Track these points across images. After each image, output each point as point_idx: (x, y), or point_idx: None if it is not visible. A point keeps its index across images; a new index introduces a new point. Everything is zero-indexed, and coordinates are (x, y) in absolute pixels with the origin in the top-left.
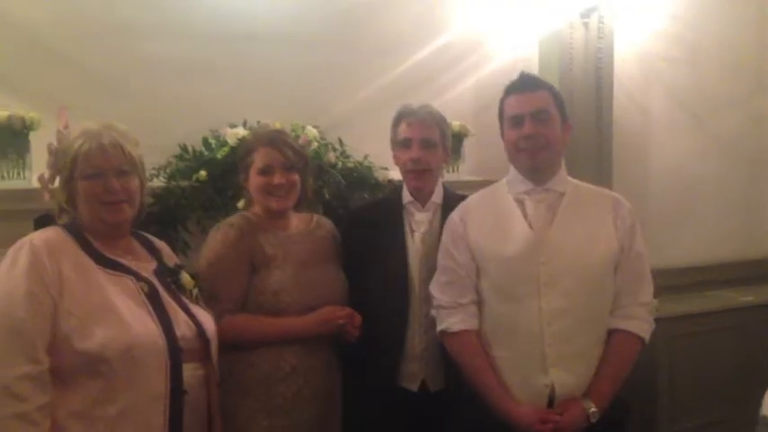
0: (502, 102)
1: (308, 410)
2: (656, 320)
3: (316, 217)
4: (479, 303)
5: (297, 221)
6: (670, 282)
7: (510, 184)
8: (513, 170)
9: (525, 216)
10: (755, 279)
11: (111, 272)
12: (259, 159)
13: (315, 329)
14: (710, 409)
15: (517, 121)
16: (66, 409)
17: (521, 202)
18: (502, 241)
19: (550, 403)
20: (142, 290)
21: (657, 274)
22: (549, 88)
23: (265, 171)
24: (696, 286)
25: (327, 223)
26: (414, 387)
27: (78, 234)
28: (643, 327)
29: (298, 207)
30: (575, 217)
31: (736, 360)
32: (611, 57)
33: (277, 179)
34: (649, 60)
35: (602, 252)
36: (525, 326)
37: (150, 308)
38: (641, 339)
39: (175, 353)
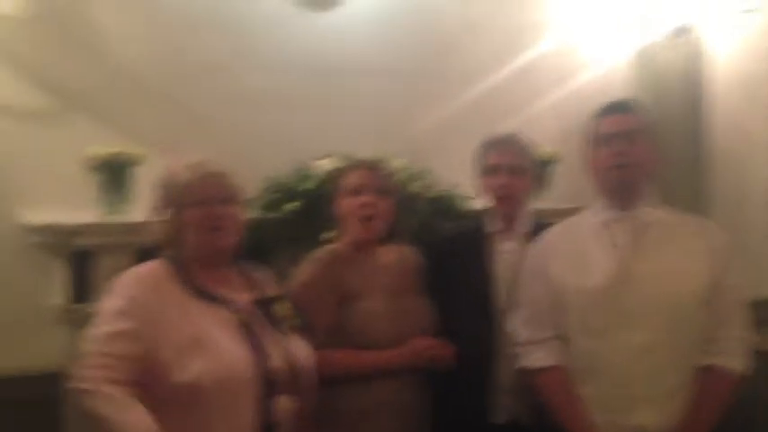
0: (591, 126)
1: None
2: (759, 354)
3: (402, 248)
4: (564, 340)
5: (384, 252)
6: None
7: (594, 214)
8: (596, 201)
9: (612, 244)
10: None
11: (209, 303)
12: (351, 181)
13: (404, 362)
14: None
15: (608, 139)
16: None
17: (607, 230)
18: (584, 273)
19: None
20: (238, 320)
21: (760, 305)
22: (641, 113)
23: (357, 191)
24: None
25: (413, 254)
26: (503, 421)
27: (180, 265)
28: (739, 361)
29: (386, 241)
30: (663, 246)
31: None
32: (707, 77)
33: (365, 198)
34: (752, 83)
35: (693, 285)
36: (611, 362)
37: (243, 338)
38: (737, 375)
39: (268, 384)
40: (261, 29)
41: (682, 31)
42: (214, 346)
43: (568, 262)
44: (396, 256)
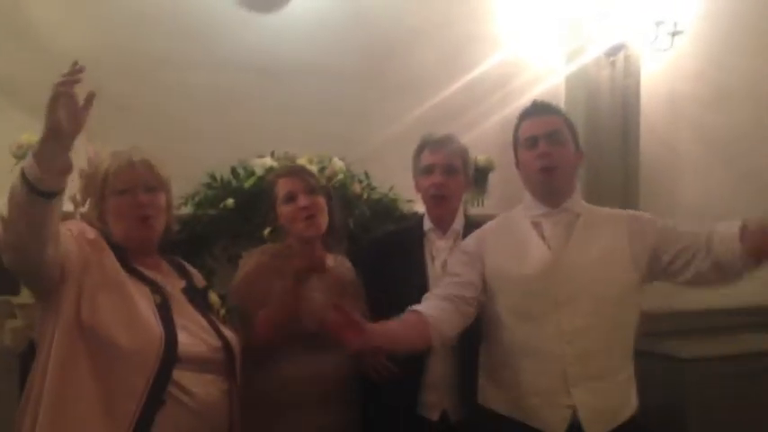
0: (516, 128)
1: None
2: (686, 362)
3: (339, 257)
4: (496, 327)
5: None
6: (700, 323)
7: (525, 209)
8: (528, 196)
9: (542, 237)
10: None
11: (132, 277)
12: (281, 189)
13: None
14: None
15: (532, 142)
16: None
17: (537, 225)
18: (519, 262)
19: (574, 426)
20: (154, 300)
21: (687, 315)
22: (562, 114)
23: (288, 198)
24: (726, 328)
25: (345, 261)
26: (434, 417)
27: (110, 241)
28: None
29: (328, 241)
30: (590, 237)
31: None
32: (637, 95)
33: (301, 201)
34: (677, 100)
35: (619, 272)
36: (545, 346)
37: (158, 315)
38: None
39: (169, 361)
40: (204, 26)
41: (616, 50)
42: (126, 305)
43: (502, 251)
44: (333, 262)
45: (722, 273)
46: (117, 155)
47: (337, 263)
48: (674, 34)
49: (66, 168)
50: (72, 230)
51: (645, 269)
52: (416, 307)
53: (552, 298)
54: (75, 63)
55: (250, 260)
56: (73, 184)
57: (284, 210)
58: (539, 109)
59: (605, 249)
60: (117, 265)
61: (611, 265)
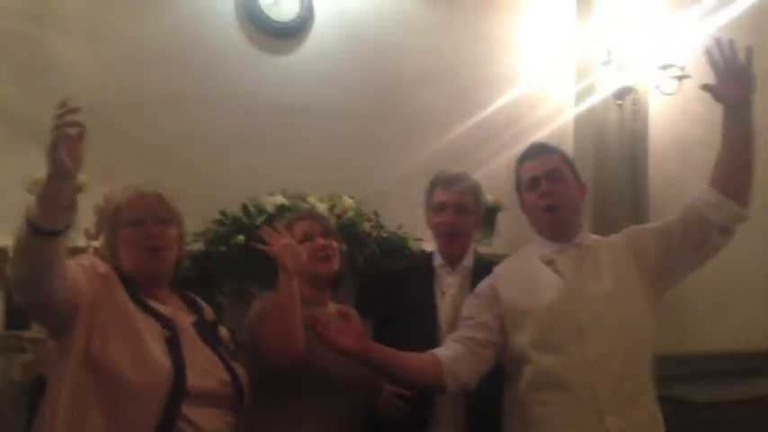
0: (517, 171)
1: None
2: (701, 406)
3: (343, 306)
4: (518, 363)
5: (331, 305)
6: (708, 367)
7: (536, 249)
8: (537, 237)
9: (557, 271)
10: None
11: (142, 311)
12: (299, 231)
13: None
14: None
15: (534, 182)
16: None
17: (551, 262)
18: (535, 296)
19: None
20: (163, 335)
21: (695, 359)
22: (559, 152)
23: (305, 238)
24: (736, 373)
25: (352, 311)
26: None
27: (123, 276)
28: None
29: (335, 287)
30: (601, 266)
31: None
32: (645, 137)
33: (319, 242)
34: (685, 142)
35: (633, 295)
36: (572, 375)
37: (167, 350)
38: None
39: (177, 395)
40: (219, 67)
41: (623, 93)
42: (135, 339)
43: (517, 288)
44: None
45: (728, 231)
46: (129, 188)
47: (344, 311)
48: (680, 78)
49: (71, 205)
50: (83, 264)
51: (657, 281)
52: (430, 351)
53: (573, 326)
54: (63, 104)
55: (264, 300)
56: (87, 219)
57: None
58: (536, 150)
59: (615, 275)
60: (127, 298)
61: (624, 288)
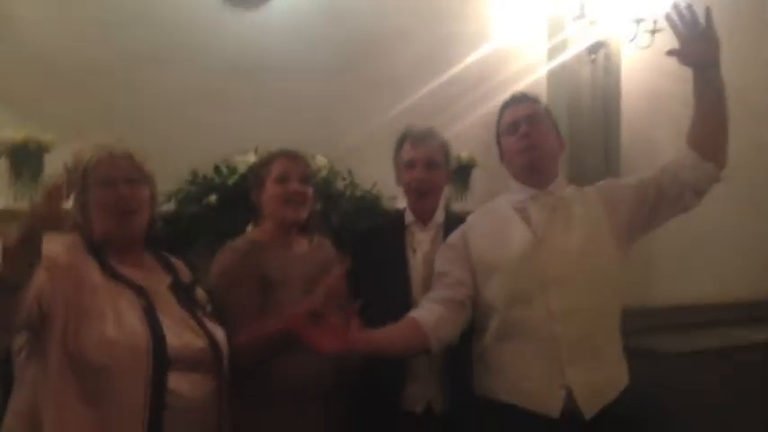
0: (498, 120)
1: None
2: (666, 356)
3: (316, 238)
4: (487, 313)
5: (301, 242)
6: (681, 319)
7: (510, 196)
8: (512, 183)
9: (528, 221)
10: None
11: (116, 282)
12: (276, 168)
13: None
14: None
15: (513, 126)
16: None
17: (523, 210)
18: (504, 247)
19: (569, 406)
20: (140, 305)
21: (669, 311)
22: (540, 102)
23: (282, 179)
24: (708, 323)
25: (328, 244)
26: (419, 409)
27: (92, 244)
28: None
29: (304, 229)
30: (572, 218)
31: (740, 399)
32: (618, 92)
33: (294, 186)
34: (657, 96)
35: (602, 250)
36: (536, 328)
37: (144, 321)
38: None
39: (161, 363)
40: (186, 24)
41: (596, 47)
42: (111, 320)
43: (487, 239)
44: (310, 246)
45: (701, 192)
46: (99, 147)
47: (315, 244)
48: (653, 32)
49: (37, 262)
50: (44, 261)
51: (626, 235)
52: (411, 314)
53: (539, 280)
54: (49, 193)
55: (221, 258)
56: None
57: (273, 189)
58: (518, 98)
59: (587, 229)
60: (99, 275)
61: (594, 243)
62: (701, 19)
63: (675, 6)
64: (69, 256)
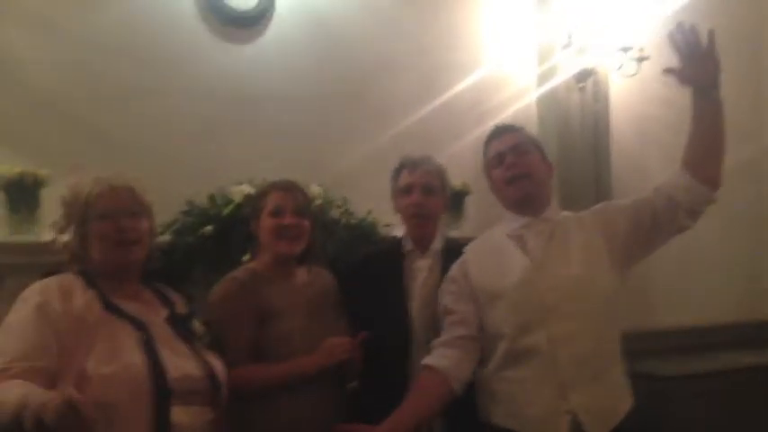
0: (484, 153)
1: None
2: (667, 380)
3: (314, 268)
4: (490, 341)
5: (300, 272)
6: (675, 343)
7: (505, 225)
8: (506, 213)
9: (525, 249)
10: (758, 341)
11: (114, 316)
12: (271, 202)
13: (319, 362)
14: None
15: (499, 158)
16: None
17: (519, 238)
18: (503, 276)
19: (575, 429)
20: (139, 338)
21: (662, 334)
22: (523, 131)
23: (276, 212)
24: (697, 348)
25: (326, 273)
26: None
27: (89, 278)
28: None
29: (304, 260)
30: (569, 243)
31: (737, 422)
32: (607, 119)
33: (288, 220)
34: (646, 123)
35: (600, 273)
36: (539, 353)
37: (143, 351)
38: None
39: (162, 395)
40: (180, 56)
41: (584, 75)
42: (108, 357)
43: (486, 269)
44: (311, 276)
45: (696, 213)
46: (98, 180)
47: (314, 273)
48: (640, 60)
49: None
50: (44, 326)
51: (624, 259)
52: (428, 361)
53: (539, 307)
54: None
55: (219, 289)
56: (53, 212)
57: (268, 222)
58: (501, 129)
59: (584, 255)
60: (98, 310)
61: (592, 269)
62: (703, 40)
63: (679, 25)
64: (62, 300)
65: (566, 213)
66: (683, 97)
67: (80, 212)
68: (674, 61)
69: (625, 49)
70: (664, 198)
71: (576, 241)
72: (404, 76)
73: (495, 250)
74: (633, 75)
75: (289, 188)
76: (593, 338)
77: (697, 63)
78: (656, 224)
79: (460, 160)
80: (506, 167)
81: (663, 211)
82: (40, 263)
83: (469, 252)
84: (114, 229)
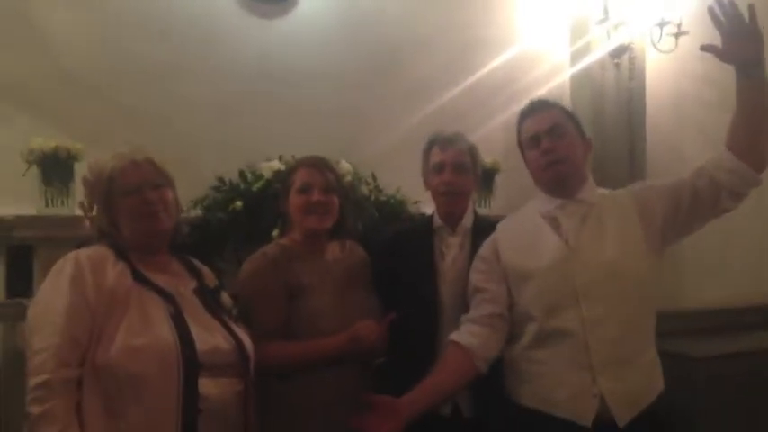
0: (518, 130)
1: None
2: (697, 360)
3: (348, 243)
4: (519, 321)
5: (330, 248)
6: (706, 323)
7: (538, 205)
8: (540, 193)
9: (559, 230)
10: None
11: (144, 287)
12: (299, 179)
13: (346, 347)
14: None
15: (535, 140)
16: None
17: (552, 219)
18: (534, 256)
19: (602, 413)
20: (168, 311)
21: (697, 315)
22: (560, 107)
23: (304, 189)
24: (735, 327)
25: (359, 249)
26: (446, 411)
27: (119, 250)
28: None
29: (335, 235)
30: (604, 225)
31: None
32: (642, 97)
33: (315, 196)
34: (682, 101)
35: (635, 256)
36: (569, 336)
37: (172, 324)
38: None
39: (192, 367)
40: (211, 34)
41: (620, 51)
42: (139, 329)
43: (518, 249)
44: (342, 252)
45: (740, 196)
46: (119, 156)
47: (347, 249)
48: (677, 35)
49: None
50: (77, 300)
51: (661, 241)
52: (454, 337)
53: (571, 289)
54: None
55: (250, 264)
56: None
57: (296, 199)
58: (536, 107)
59: (619, 237)
60: (129, 281)
61: (626, 251)
62: (745, 15)
63: (719, 1)
64: (96, 273)
65: (602, 191)
66: (722, 75)
67: (104, 190)
68: (712, 37)
69: (662, 24)
70: (706, 179)
71: (610, 224)
72: (436, 52)
73: (528, 230)
74: (670, 51)
75: (316, 165)
76: (624, 322)
77: (739, 39)
78: (696, 206)
79: (491, 138)
80: (542, 152)
81: (704, 192)
82: (73, 236)
83: (501, 230)
84: (141, 203)
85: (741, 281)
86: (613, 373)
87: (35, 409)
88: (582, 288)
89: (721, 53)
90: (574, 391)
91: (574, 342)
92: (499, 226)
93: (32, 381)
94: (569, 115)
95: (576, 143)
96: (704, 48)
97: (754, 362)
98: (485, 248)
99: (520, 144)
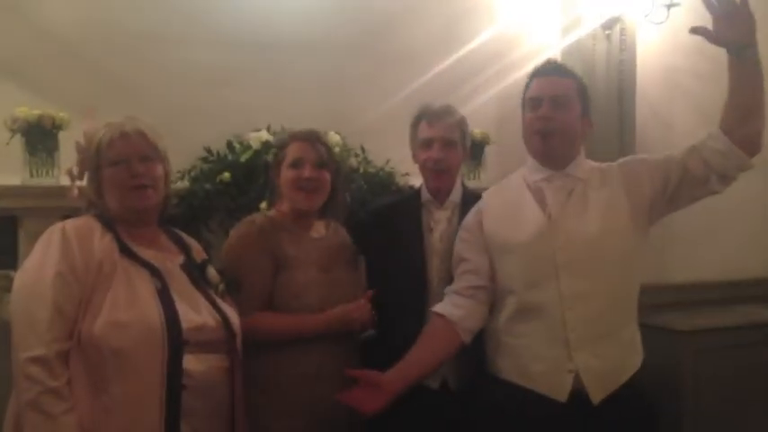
0: (525, 86)
1: (332, 413)
2: (682, 334)
3: (332, 223)
4: (500, 294)
5: (317, 226)
6: (697, 296)
7: (527, 174)
8: (530, 159)
9: (543, 203)
10: None
11: (130, 262)
12: (291, 153)
13: (332, 326)
14: (735, 424)
15: (536, 103)
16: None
17: (538, 190)
18: (517, 229)
19: (577, 390)
20: (155, 285)
21: (684, 288)
22: (574, 77)
23: (296, 164)
24: (723, 301)
25: (342, 230)
26: (434, 385)
27: (107, 222)
28: None
29: (325, 213)
30: (590, 200)
31: (762, 375)
32: (633, 68)
33: (307, 172)
34: (673, 73)
35: (619, 234)
36: (546, 311)
37: (158, 300)
38: None
39: (176, 344)
40: (197, 3)
41: (611, 23)
42: (124, 304)
43: (501, 220)
44: (326, 231)
45: (729, 179)
46: (110, 126)
47: (331, 230)
48: (669, 6)
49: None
50: (68, 273)
51: (647, 216)
52: (438, 309)
53: (551, 263)
54: None
55: (238, 231)
56: (70, 157)
57: (288, 174)
58: (550, 69)
59: (603, 212)
60: (116, 255)
61: (610, 226)
62: None
63: None
64: (83, 245)
65: (591, 164)
66: (713, 47)
67: (93, 159)
68: (703, 9)
69: None
70: (697, 160)
71: (596, 198)
72: (425, 23)
73: (513, 201)
74: (662, 22)
75: (309, 139)
76: (605, 298)
77: (730, 21)
78: (684, 185)
79: (482, 109)
80: (538, 118)
81: (694, 173)
82: (58, 206)
83: (486, 199)
84: (127, 175)
85: (730, 255)
86: (590, 349)
87: (34, 387)
88: (562, 263)
89: (712, 35)
90: (549, 367)
91: (551, 317)
92: (485, 195)
93: (24, 354)
94: (581, 91)
95: (574, 120)
96: (695, 30)
97: (741, 335)
98: (469, 218)
99: (523, 103)
